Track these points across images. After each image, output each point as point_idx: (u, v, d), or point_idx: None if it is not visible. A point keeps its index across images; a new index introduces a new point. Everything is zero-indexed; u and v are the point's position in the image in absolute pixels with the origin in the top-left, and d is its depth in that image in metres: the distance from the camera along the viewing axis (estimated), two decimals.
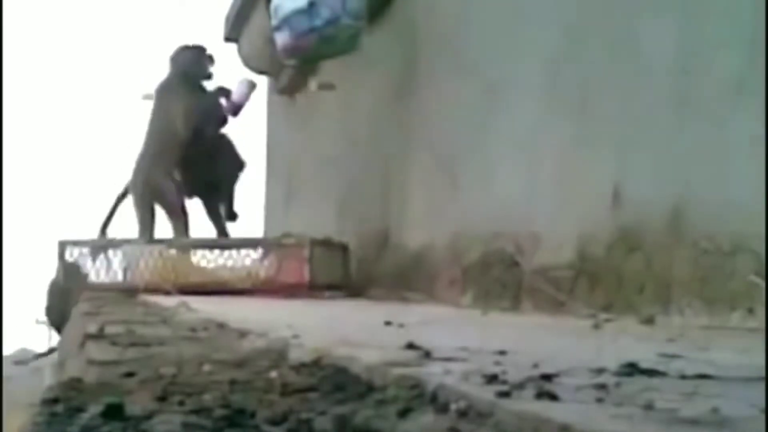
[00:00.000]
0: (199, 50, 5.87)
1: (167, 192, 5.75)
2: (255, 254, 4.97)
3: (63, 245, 5.23)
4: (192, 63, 5.81)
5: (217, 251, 4.96)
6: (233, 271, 4.89)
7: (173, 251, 5.06)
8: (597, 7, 2.99)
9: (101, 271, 5.29)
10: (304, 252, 4.69)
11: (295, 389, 1.23)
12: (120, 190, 5.97)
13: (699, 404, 0.95)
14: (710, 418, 0.88)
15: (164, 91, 5.82)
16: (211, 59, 5.88)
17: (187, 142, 5.75)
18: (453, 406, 1.00)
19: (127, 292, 4.61)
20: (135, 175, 5.81)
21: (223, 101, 5.84)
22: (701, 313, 2.32)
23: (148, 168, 5.74)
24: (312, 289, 4.64)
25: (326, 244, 4.83)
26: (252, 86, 5.92)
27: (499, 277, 3.37)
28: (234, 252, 4.95)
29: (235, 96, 5.84)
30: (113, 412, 1.04)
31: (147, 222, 5.79)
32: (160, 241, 5.30)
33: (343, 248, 4.87)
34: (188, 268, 4.94)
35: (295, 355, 1.55)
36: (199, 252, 4.99)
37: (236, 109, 5.85)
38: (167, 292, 4.24)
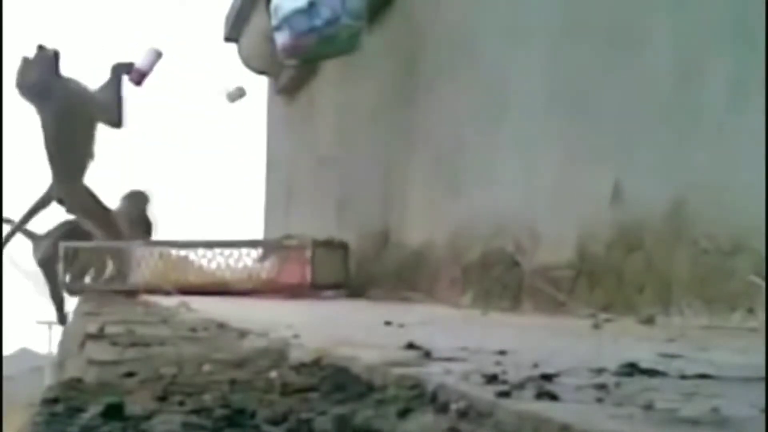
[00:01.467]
0: (24, 60, 5.68)
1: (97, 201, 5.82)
2: (256, 255, 4.96)
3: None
4: (41, 70, 5.64)
5: (217, 252, 4.95)
6: (234, 272, 4.88)
7: (173, 252, 5.06)
8: (596, 7, 2.99)
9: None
10: (306, 253, 4.68)
11: (295, 389, 1.23)
12: (39, 197, 5.89)
13: (699, 404, 0.95)
14: (710, 418, 0.87)
15: (55, 118, 5.69)
16: (40, 48, 5.68)
17: (93, 140, 5.79)
18: (453, 406, 1.00)
19: (127, 293, 4.62)
20: (66, 192, 5.80)
21: (125, 77, 5.71)
22: (701, 313, 2.32)
23: (76, 180, 5.76)
24: (314, 290, 4.64)
25: (328, 244, 4.83)
26: (158, 55, 5.75)
27: (499, 277, 3.37)
28: (235, 253, 4.94)
29: (139, 63, 5.70)
30: (113, 412, 1.04)
31: (109, 222, 5.81)
32: (159, 242, 5.30)
33: (344, 247, 4.87)
34: (188, 268, 4.94)
35: (295, 355, 1.55)
36: (200, 252, 4.98)
37: (140, 78, 5.71)
38: (167, 293, 4.25)
